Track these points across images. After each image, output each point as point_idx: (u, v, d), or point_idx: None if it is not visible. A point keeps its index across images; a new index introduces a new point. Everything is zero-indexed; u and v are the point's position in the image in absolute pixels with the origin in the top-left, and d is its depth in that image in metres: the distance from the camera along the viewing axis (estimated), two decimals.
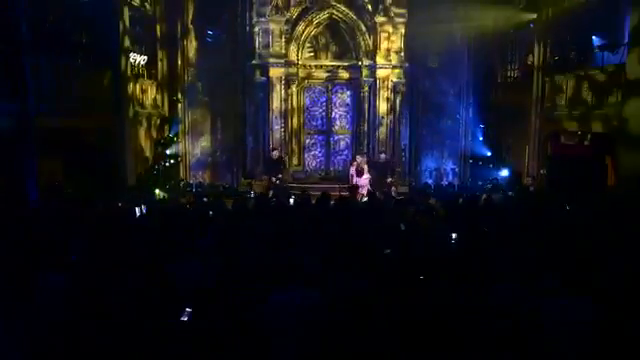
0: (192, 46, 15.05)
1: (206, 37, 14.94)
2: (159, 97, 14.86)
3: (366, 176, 12.79)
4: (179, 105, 15.12)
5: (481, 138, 14.74)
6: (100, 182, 9.58)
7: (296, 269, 3.84)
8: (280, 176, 12.85)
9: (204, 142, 15.53)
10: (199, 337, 3.75)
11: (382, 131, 14.71)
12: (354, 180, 12.73)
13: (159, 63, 14.86)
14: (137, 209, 7.44)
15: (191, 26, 14.98)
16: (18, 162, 7.87)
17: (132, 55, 13.01)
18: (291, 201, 9.74)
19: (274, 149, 13.66)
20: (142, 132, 13.56)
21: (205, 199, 9.45)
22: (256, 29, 14.38)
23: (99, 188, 9.32)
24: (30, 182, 7.93)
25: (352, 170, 12.98)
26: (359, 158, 13.30)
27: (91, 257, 4.60)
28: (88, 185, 9.21)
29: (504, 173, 13.13)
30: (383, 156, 13.75)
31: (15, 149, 7.87)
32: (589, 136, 10.54)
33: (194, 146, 15.44)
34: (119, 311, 3.77)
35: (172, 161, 14.18)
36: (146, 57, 14.05)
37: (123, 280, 4.03)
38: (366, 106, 14.82)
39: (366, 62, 14.49)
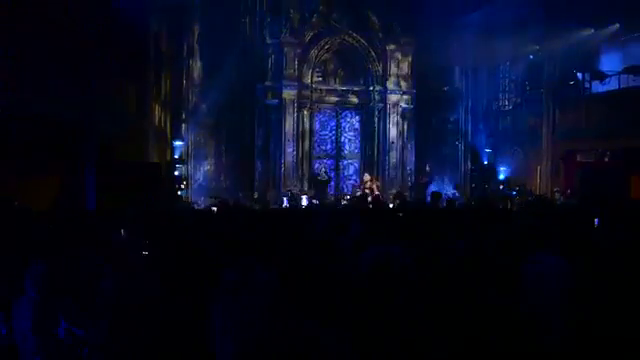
0: (197, 66, 14.57)
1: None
2: (162, 117, 14.09)
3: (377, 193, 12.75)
4: (183, 126, 14.41)
5: (486, 162, 15.33)
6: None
7: None
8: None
9: (207, 166, 14.83)
10: None
11: (392, 155, 14.92)
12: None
13: (163, 82, 14.18)
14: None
15: (197, 46, 14.53)
16: (78, 166, 7.06)
17: None
18: None
19: (320, 169, 13.52)
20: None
21: None
22: (269, 51, 14.28)
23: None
24: (89, 185, 7.11)
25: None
26: (367, 176, 13.35)
27: None
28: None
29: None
30: None
31: (75, 153, 7.07)
32: (608, 153, 11.35)
33: (197, 170, 14.69)
34: None
35: (184, 183, 13.34)
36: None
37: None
38: (376, 131, 15.03)
39: (377, 87, 14.81)
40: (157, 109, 13.17)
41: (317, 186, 13.02)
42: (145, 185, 8.22)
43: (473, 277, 3.95)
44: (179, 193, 12.39)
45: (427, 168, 14.30)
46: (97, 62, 7.61)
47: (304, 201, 8.31)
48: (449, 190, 16.31)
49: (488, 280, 3.85)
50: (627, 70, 10.84)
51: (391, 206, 7.55)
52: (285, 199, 5.51)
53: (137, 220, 5.05)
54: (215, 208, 6.63)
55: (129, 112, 9.71)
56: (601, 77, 11.44)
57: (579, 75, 12.63)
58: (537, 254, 3.87)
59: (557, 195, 11.57)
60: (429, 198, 8.47)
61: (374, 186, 12.75)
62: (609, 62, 12.51)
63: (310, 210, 5.65)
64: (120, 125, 8.79)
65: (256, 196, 13.53)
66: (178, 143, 14.09)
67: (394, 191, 14.88)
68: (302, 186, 14.23)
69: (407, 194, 14.08)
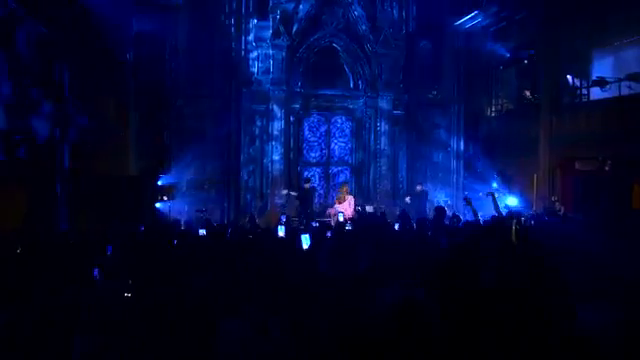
0: (181, 70, 13.79)
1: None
2: (144, 124, 13.30)
3: (344, 205, 12.17)
4: (166, 133, 13.64)
5: (479, 169, 14.91)
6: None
7: None
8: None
9: (191, 174, 14.08)
10: None
11: (384, 162, 14.40)
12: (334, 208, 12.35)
13: (144, 87, 13.39)
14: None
15: (180, 49, 13.78)
16: (50, 184, 6.33)
17: None
18: None
19: (307, 180, 12.98)
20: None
21: None
22: (255, 54, 13.66)
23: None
24: (61, 209, 6.39)
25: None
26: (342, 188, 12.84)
27: None
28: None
29: (512, 203, 13.21)
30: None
31: (48, 170, 6.34)
32: (609, 161, 10.99)
33: (181, 178, 13.92)
34: None
35: (165, 198, 12.57)
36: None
37: None
38: (367, 137, 14.51)
39: (367, 92, 14.29)
40: (138, 116, 12.45)
41: (303, 198, 12.61)
42: (124, 202, 7.54)
43: (507, 319, 3.44)
44: (159, 206, 11.57)
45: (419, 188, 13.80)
46: (69, 68, 6.90)
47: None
48: (441, 198, 15.89)
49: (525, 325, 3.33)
50: (630, 77, 10.50)
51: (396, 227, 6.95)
52: (282, 227, 4.70)
53: (117, 253, 4.39)
54: (203, 231, 5.96)
55: (108, 122, 8.98)
56: (602, 84, 11.07)
57: (577, 81, 12.30)
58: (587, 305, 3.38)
59: (557, 206, 11.16)
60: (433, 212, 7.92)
61: (336, 205, 12.20)
62: (603, 67, 12.21)
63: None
64: (97, 136, 8.07)
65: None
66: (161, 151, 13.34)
67: (385, 200, 14.41)
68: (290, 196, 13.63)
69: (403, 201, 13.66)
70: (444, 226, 7.03)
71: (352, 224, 6.89)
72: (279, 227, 5.04)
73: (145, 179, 9.64)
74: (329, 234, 5.50)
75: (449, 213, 15.41)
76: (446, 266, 4.59)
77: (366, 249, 4.71)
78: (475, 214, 7.81)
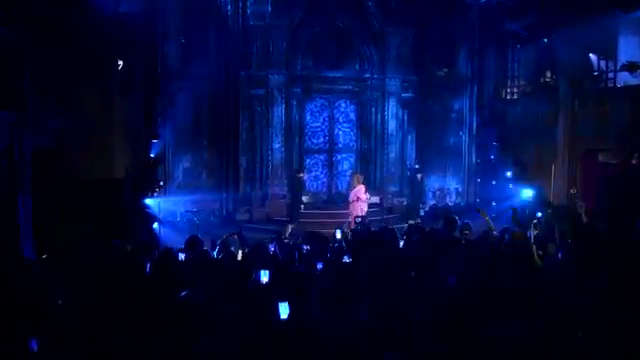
0: (174, 53, 12.86)
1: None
2: (134, 113, 12.47)
3: (354, 193, 11.43)
4: (159, 120, 12.84)
5: (492, 156, 14.04)
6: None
7: None
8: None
9: (187, 163, 13.37)
10: None
11: (391, 149, 13.56)
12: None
13: (134, 72, 12.49)
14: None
15: (173, 30, 12.82)
16: (9, 204, 5.57)
17: None
18: None
19: (300, 171, 12.36)
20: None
21: None
22: (252, 34, 12.69)
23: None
24: (24, 230, 5.66)
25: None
26: (358, 178, 12.00)
27: None
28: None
29: (527, 194, 12.39)
30: None
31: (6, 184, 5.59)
32: (636, 154, 10.09)
33: (176, 168, 13.22)
34: None
35: (158, 191, 11.83)
36: (121, 62, 11.75)
37: None
38: (373, 122, 13.64)
39: (374, 74, 13.34)
40: (127, 106, 11.59)
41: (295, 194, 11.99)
42: (104, 212, 6.82)
43: None
44: (149, 202, 10.79)
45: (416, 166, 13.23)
46: (37, 67, 6.08)
47: None
48: (452, 185, 15.06)
49: None
50: None
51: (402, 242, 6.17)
52: (266, 272, 4.02)
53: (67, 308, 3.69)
54: (183, 256, 5.26)
55: (91, 118, 8.18)
56: (632, 68, 10.05)
57: (602, 63, 11.26)
58: None
59: (577, 202, 10.27)
60: (443, 223, 7.10)
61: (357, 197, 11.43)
62: (630, 48, 11.14)
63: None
64: (76, 137, 7.30)
65: None
66: (154, 140, 12.56)
67: (392, 189, 13.64)
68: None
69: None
70: (454, 240, 6.26)
71: (352, 245, 6.12)
72: (262, 272, 4.22)
73: (131, 180, 8.82)
74: (320, 265, 4.76)
75: (460, 203, 14.72)
76: (452, 316, 3.87)
77: (366, 293, 3.99)
78: (489, 224, 7.10)
